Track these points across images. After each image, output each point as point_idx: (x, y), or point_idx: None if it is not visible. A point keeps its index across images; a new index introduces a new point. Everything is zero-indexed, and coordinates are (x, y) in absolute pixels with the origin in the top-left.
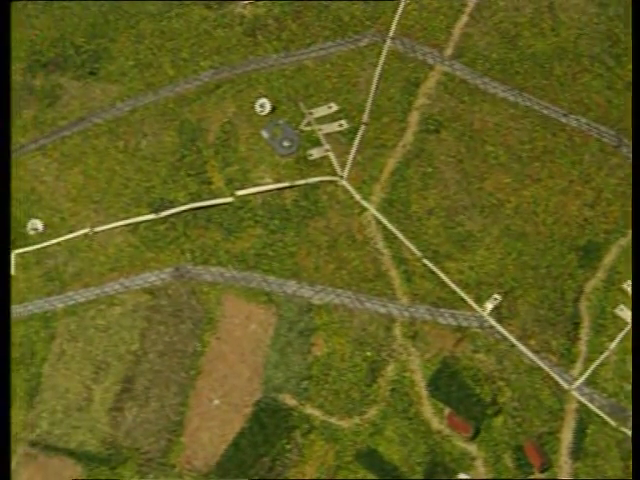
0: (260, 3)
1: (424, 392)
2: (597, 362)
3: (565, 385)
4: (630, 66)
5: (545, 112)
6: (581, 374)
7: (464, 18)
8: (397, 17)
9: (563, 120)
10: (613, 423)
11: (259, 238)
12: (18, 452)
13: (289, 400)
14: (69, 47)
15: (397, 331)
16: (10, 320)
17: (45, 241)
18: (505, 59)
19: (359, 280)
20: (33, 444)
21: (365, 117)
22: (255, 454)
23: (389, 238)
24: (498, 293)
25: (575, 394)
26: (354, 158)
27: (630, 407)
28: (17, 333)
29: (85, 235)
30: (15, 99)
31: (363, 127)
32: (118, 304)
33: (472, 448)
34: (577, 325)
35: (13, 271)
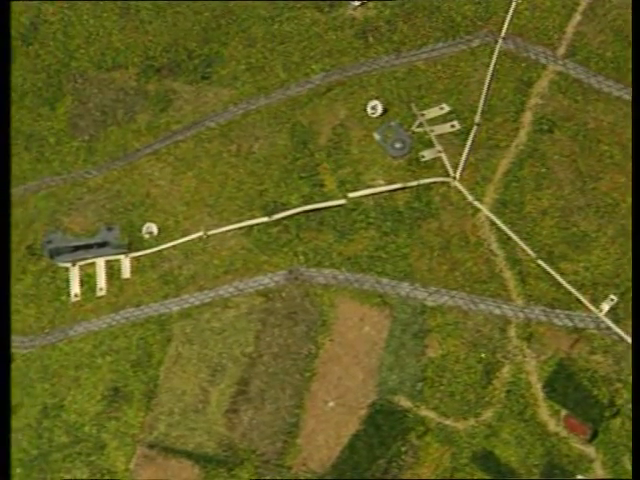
0: (371, 5)
1: (540, 394)
2: None
3: None
4: None
5: None
6: None
7: (577, 17)
8: (509, 17)
9: None
10: None
11: (372, 240)
12: (137, 454)
13: (404, 402)
14: (182, 52)
15: (512, 332)
16: (10, 320)
17: (160, 244)
18: (619, 57)
19: (473, 281)
20: (151, 446)
21: (477, 118)
22: (370, 456)
23: (503, 239)
24: (614, 294)
25: None
26: (466, 159)
27: None
28: (134, 336)
29: (199, 238)
30: (129, 104)
31: (475, 128)
32: (232, 307)
33: (590, 450)
34: None
35: (128, 274)
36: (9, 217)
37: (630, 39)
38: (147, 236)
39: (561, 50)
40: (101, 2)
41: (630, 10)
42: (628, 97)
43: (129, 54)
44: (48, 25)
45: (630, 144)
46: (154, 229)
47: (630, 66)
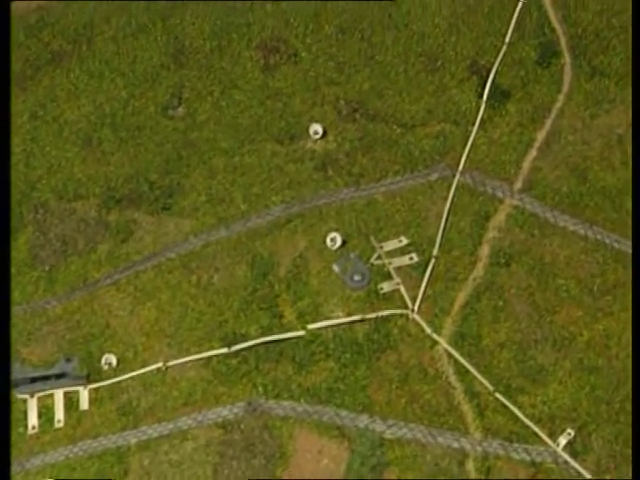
0: (331, 138)
1: None
2: None
3: None
4: None
5: (616, 245)
6: None
7: (533, 152)
8: (466, 151)
9: None
10: None
11: (331, 372)
12: None
13: None
14: (143, 183)
15: (470, 466)
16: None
17: (119, 376)
18: (575, 192)
19: (431, 414)
20: None
21: (435, 250)
22: None
23: (461, 372)
24: (571, 428)
25: None
26: (425, 291)
27: None
28: (91, 469)
29: (158, 369)
30: (90, 234)
31: (433, 260)
32: (191, 439)
33: None
34: None
35: (87, 406)
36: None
37: (584, 175)
38: (106, 367)
39: (518, 184)
40: (64, 134)
41: (586, 146)
42: (583, 232)
43: (90, 185)
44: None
45: (588, 279)
46: (113, 360)
47: (586, 202)
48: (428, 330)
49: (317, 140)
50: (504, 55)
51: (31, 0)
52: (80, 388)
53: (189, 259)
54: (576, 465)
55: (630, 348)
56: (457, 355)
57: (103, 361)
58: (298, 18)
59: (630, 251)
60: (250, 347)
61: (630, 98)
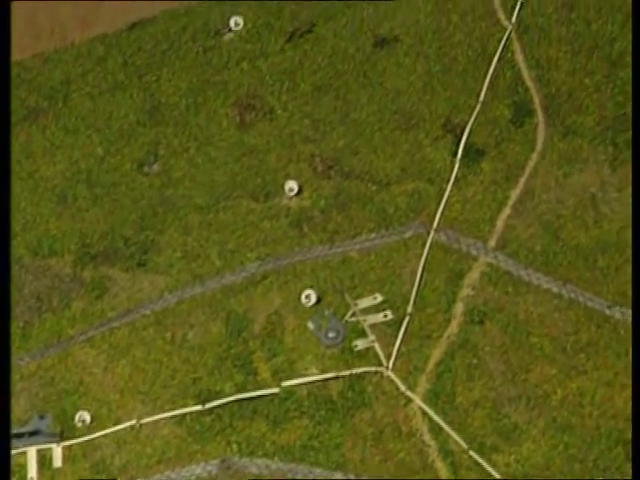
0: (306, 195)
1: None
2: None
3: None
4: None
5: (589, 304)
6: None
7: (507, 210)
8: (441, 209)
9: (607, 312)
10: None
11: (305, 429)
12: None
13: None
14: (118, 239)
15: None
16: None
17: (92, 433)
18: (548, 251)
19: (406, 472)
20: None
21: (410, 308)
22: None
23: (435, 430)
24: None
25: None
26: (399, 349)
27: None
28: None
29: (132, 427)
30: (65, 291)
31: (408, 318)
32: None
33: None
34: None
35: (60, 464)
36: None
37: (558, 233)
38: (80, 424)
39: (492, 242)
40: (39, 190)
41: (560, 205)
42: (557, 290)
43: (65, 241)
44: None
45: (561, 337)
46: (87, 417)
47: (559, 260)
48: (402, 388)
49: (292, 197)
50: (478, 114)
51: None
52: (53, 445)
53: (164, 316)
54: None
55: (603, 408)
56: (431, 413)
57: (77, 418)
58: (274, 76)
59: (604, 310)
60: (224, 404)
61: (603, 157)
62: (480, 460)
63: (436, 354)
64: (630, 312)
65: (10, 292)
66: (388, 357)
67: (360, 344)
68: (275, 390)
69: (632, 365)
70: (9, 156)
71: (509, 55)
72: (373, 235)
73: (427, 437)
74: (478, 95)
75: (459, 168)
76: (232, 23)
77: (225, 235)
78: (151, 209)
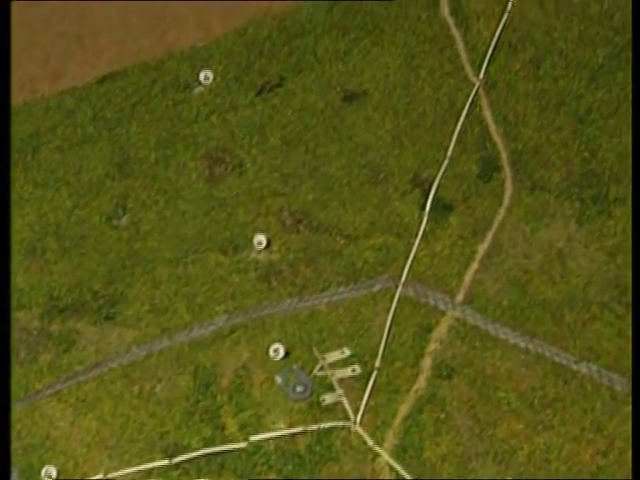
0: (275, 248)
1: None
2: None
3: None
4: None
5: (556, 359)
6: None
7: (475, 265)
8: (409, 263)
9: (574, 367)
10: None
11: None
12: None
13: None
14: (86, 292)
15: None
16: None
17: None
18: (516, 306)
19: None
20: None
21: (378, 362)
22: None
23: None
24: None
25: None
26: (367, 403)
27: None
28: None
29: None
30: (32, 344)
31: (376, 372)
32: None
33: None
34: None
35: None
36: None
37: (525, 288)
38: (46, 479)
39: (459, 297)
40: None
41: (527, 260)
42: (524, 345)
43: (33, 295)
44: None
45: (528, 392)
46: (53, 472)
47: (526, 315)
48: (370, 442)
49: (261, 251)
50: (446, 168)
51: None
52: None
53: (131, 369)
54: None
55: (569, 463)
56: (399, 468)
57: (43, 473)
58: (243, 129)
59: (571, 365)
60: (192, 459)
61: (570, 212)
62: None
63: (404, 409)
64: (595, 367)
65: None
66: (356, 411)
67: (328, 398)
68: (243, 445)
69: (632, 364)
70: None
71: (477, 110)
72: (342, 289)
73: None
74: (446, 150)
75: (427, 222)
76: (202, 77)
77: (194, 288)
78: (120, 262)
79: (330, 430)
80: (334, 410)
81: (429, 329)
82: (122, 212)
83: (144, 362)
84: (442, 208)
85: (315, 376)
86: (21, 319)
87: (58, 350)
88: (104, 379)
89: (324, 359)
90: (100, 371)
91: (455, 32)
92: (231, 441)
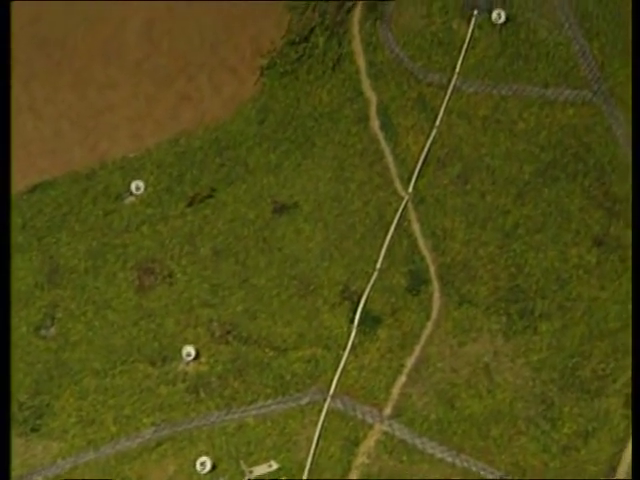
0: (203, 360)
1: None
2: None
3: None
4: (565, 429)
5: (482, 473)
6: None
7: (403, 378)
8: (337, 376)
9: None
10: None
11: None
12: None
13: None
14: (12, 403)
15: None
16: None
17: None
18: (443, 419)
19: None
20: None
21: (305, 475)
22: None
23: None
24: None
25: None
26: None
27: None
28: None
29: None
30: None
31: None
32: None
33: None
34: None
35: None
36: None
37: (452, 402)
38: None
39: (387, 410)
40: None
41: (454, 374)
42: (451, 459)
43: None
44: None
45: None
46: None
47: (453, 429)
48: None
49: (189, 362)
50: (375, 281)
51: None
52: None
53: None
54: None
55: None
56: None
57: None
58: (174, 240)
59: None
60: None
61: (497, 327)
62: None
63: None
64: None
65: None
66: None
67: None
68: None
69: (632, 365)
70: None
71: (406, 224)
72: (270, 401)
73: None
74: (375, 263)
75: (356, 335)
76: (133, 187)
77: (121, 400)
78: (47, 373)
79: None
80: None
81: (357, 443)
82: (50, 322)
83: (69, 474)
84: (371, 321)
85: None
86: None
87: None
88: None
89: (251, 472)
90: None
91: (385, 146)
92: None
